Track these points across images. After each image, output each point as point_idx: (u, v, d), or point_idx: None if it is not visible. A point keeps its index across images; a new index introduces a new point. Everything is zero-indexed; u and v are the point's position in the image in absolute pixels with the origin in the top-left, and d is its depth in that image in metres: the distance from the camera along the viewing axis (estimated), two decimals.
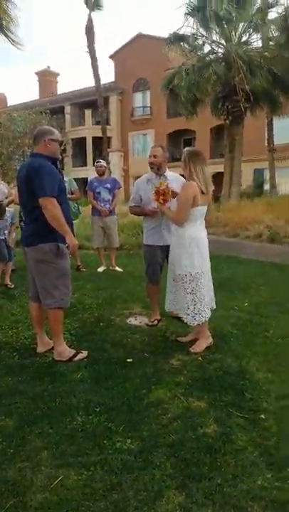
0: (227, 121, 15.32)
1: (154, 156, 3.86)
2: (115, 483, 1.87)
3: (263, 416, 2.38)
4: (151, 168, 3.90)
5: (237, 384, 2.77)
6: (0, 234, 5.53)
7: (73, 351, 3.23)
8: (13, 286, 5.52)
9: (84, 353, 3.24)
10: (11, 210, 5.66)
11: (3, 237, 5.56)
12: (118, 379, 2.86)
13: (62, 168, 6.47)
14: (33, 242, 3.10)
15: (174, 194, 3.48)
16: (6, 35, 11.48)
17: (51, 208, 2.95)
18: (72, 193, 6.03)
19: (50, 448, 2.11)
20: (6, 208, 5.51)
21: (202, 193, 3.26)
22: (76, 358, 3.17)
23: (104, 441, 2.16)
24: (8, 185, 6.61)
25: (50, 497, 1.78)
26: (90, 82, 24.15)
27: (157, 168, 3.88)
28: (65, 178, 6.37)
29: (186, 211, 3.24)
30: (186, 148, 3.43)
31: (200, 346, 3.34)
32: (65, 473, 1.92)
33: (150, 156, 3.89)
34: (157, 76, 16.21)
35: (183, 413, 2.42)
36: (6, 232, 5.60)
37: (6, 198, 5.89)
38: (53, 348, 3.28)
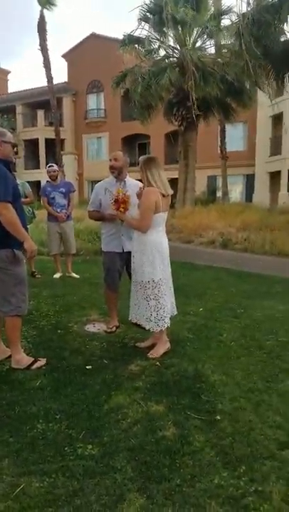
0: (181, 128, 15.59)
1: (115, 160, 3.85)
2: (77, 488, 1.89)
3: (218, 417, 2.49)
4: (112, 172, 3.89)
5: (193, 387, 2.87)
6: None
7: (31, 359, 3.21)
8: None
9: (42, 361, 3.22)
10: None
11: None
12: (77, 386, 2.88)
13: (15, 171, 6.32)
14: None
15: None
16: None
17: (6, 213, 2.91)
18: (26, 197, 5.92)
19: (11, 456, 2.11)
20: None
21: (163, 196, 3.33)
22: (34, 366, 3.14)
23: (66, 448, 2.18)
24: None
25: (12, 505, 1.78)
26: (43, 82, 23.77)
27: (118, 173, 3.88)
28: (18, 181, 6.26)
29: (150, 217, 3.29)
30: (142, 157, 3.51)
31: (158, 352, 3.42)
32: (27, 481, 1.92)
33: (110, 160, 3.89)
34: (111, 78, 16.13)
35: (142, 417, 2.48)
36: None
37: None
38: (10, 356, 3.23)
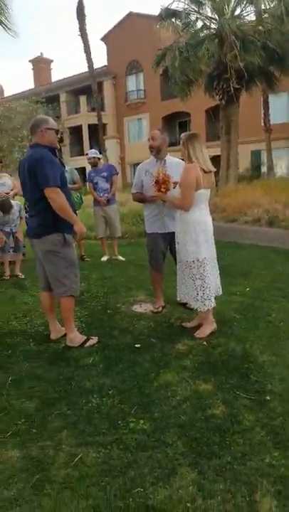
0: (222, 102, 15.06)
1: (152, 139, 3.86)
2: (131, 460, 1.99)
3: (268, 397, 2.49)
4: (151, 151, 3.91)
5: (242, 367, 2.88)
6: (5, 226, 5.61)
7: (84, 337, 3.36)
8: (23, 276, 5.63)
9: (94, 339, 3.36)
10: (18, 203, 5.72)
11: (8, 229, 5.64)
12: (128, 363, 2.98)
13: (61, 157, 6.46)
14: (40, 234, 3.17)
15: (175, 184, 3.51)
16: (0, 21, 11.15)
17: (56, 197, 3.02)
18: (74, 183, 6.08)
19: (69, 428, 2.24)
20: (12, 201, 5.59)
21: (204, 172, 3.29)
22: (87, 344, 3.29)
23: (119, 422, 2.28)
24: (10, 176, 6.63)
25: (72, 472, 1.91)
26: (84, 68, 23.83)
27: (157, 152, 3.88)
28: (66, 168, 6.42)
29: (192, 194, 3.27)
30: (183, 133, 3.48)
31: (204, 331, 3.44)
32: (84, 452, 2.05)
33: (148, 140, 3.91)
34: (150, 57, 15.74)
35: (191, 395, 2.54)
36: (13, 225, 5.68)
37: (12, 190, 5.95)
38: (65, 334, 3.40)
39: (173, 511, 1.68)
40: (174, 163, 3.85)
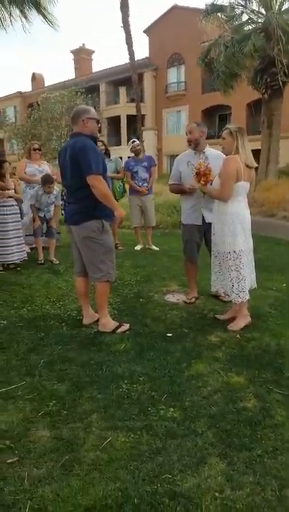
0: (265, 96, 14.75)
1: (190, 133, 3.83)
2: (160, 447, 1.98)
3: None
4: (189, 145, 3.88)
5: (276, 362, 2.81)
6: (39, 212, 5.72)
7: (117, 323, 3.38)
8: (58, 262, 5.73)
9: (126, 326, 3.38)
10: (57, 190, 5.81)
11: (42, 215, 5.75)
12: (159, 352, 2.97)
13: (108, 149, 6.55)
14: (79, 221, 3.22)
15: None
16: (44, 16, 11.21)
17: (99, 184, 3.06)
18: (118, 172, 6.14)
19: (99, 411, 2.26)
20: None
21: (247, 166, 3.25)
22: (119, 330, 3.31)
23: (149, 409, 2.28)
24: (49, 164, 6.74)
25: (101, 455, 1.92)
26: (125, 59, 23.83)
27: (195, 145, 3.85)
28: (111, 158, 6.47)
29: (231, 185, 3.24)
30: (230, 125, 3.41)
31: (238, 324, 3.39)
32: (114, 435, 2.05)
33: (186, 134, 3.88)
34: (192, 50, 15.66)
35: (223, 387, 2.50)
36: (47, 211, 5.79)
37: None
38: (97, 320, 3.44)
39: (201, 499, 1.66)
40: (213, 156, 3.81)
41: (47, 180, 5.56)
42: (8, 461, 1.88)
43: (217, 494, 1.69)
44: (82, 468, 1.84)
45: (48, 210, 5.86)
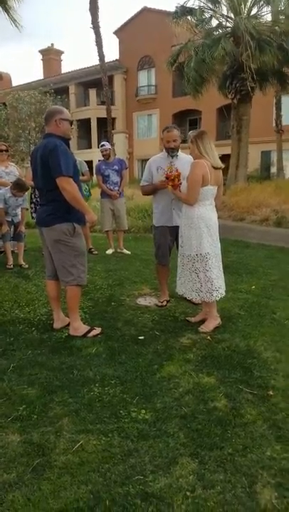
0: (234, 101, 14.99)
1: (174, 141, 3.80)
2: (132, 449, 1.99)
3: (271, 392, 2.48)
4: (172, 151, 3.84)
5: (245, 362, 2.87)
6: (7, 216, 5.61)
7: (88, 327, 3.36)
8: (27, 266, 5.63)
9: (98, 330, 3.36)
10: (24, 194, 5.72)
11: (9, 219, 5.65)
12: (131, 354, 2.98)
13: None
14: (50, 223, 3.18)
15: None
16: (7, 12, 10.87)
17: (68, 187, 3.03)
18: (83, 175, 6.07)
19: (70, 415, 2.24)
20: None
21: (213, 168, 3.31)
22: (90, 334, 3.30)
23: (121, 411, 2.28)
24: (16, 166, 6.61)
25: (72, 458, 1.91)
26: (95, 61, 23.80)
27: (176, 151, 3.86)
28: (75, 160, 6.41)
29: (197, 190, 3.30)
30: (192, 131, 3.51)
31: (208, 326, 3.44)
32: (85, 439, 2.05)
33: (169, 142, 3.82)
34: (163, 53, 15.81)
35: (194, 388, 2.53)
36: (14, 212, 5.69)
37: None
38: (68, 324, 3.41)
39: (173, 499, 1.68)
40: (185, 160, 3.82)
41: (22, 188, 5.42)
42: None
43: (188, 493, 1.71)
44: (53, 472, 1.82)
45: (16, 214, 5.75)
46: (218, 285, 3.43)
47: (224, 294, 3.53)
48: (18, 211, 5.76)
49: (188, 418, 2.23)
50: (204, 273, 3.40)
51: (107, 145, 6.79)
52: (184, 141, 4.14)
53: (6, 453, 1.94)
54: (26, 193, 5.74)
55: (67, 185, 3.03)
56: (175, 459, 1.92)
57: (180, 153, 3.93)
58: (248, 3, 14.64)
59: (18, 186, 5.40)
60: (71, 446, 1.99)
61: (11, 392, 2.46)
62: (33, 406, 2.32)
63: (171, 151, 3.86)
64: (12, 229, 5.78)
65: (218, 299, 3.44)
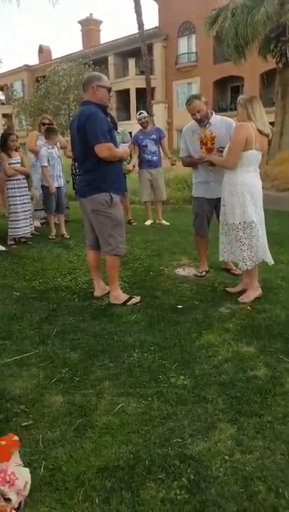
0: (280, 65, 14.23)
1: (198, 112, 3.67)
2: (171, 412, 2.02)
3: None
4: (201, 122, 3.73)
5: (286, 333, 2.81)
6: (54, 180, 5.72)
7: (127, 296, 3.40)
8: (68, 236, 5.76)
9: (137, 298, 3.40)
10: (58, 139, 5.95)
11: (56, 184, 5.74)
12: (170, 322, 3.00)
13: (114, 122, 6.47)
14: (88, 193, 3.20)
15: (222, 148, 3.44)
16: None
17: (107, 151, 3.02)
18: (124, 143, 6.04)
19: (111, 379, 2.30)
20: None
21: (260, 133, 3.17)
22: (130, 302, 3.34)
23: (160, 376, 2.31)
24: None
25: (113, 419, 1.96)
26: (134, 29, 23.15)
27: (206, 118, 3.73)
28: (118, 129, 6.34)
29: (237, 153, 3.17)
30: (241, 96, 3.33)
31: (249, 296, 3.38)
32: (125, 401, 2.10)
33: (193, 114, 3.70)
34: (204, 18, 15.12)
35: (233, 356, 2.52)
36: (57, 174, 5.78)
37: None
38: (108, 292, 3.46)
39: (211, 462, 1.70)
40: (218, 122, 3.71)
41: (51, 130, 5.79)
42: (23, 424, 1.94)
43: (227, 457, 1.72)
44: (94, 431, 1.89)
45: (57, 178, 5.82)
46: (257, 256, 3.34)
47: (272, 262, 3.44)
48: (61, 180, 5.83)
49: (227, 385, 2.22)
50: (248, 239, 3.30)
51: (145, 113, 6.68)
52: (224, 110, 3.98)
53: (50, 412, 2.03)
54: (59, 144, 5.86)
55: (107, 151, 3.01)
56: (214, 424, 1.93)
57: (214, 117, 3.77)
58: None
59: (48, 130, 5.73)
60: (112, 408, 2.05)
61: (54, 356, 2.55)
62: (75, 369, 2.40)
63: (201, 122, 3.73)
64: (55, 200, 5.87)
65: (257, 263, 3.36)
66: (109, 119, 3.27)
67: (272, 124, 13.39)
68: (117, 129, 6.36)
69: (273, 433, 1.87)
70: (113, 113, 28.65)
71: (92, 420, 1.96)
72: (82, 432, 1.89)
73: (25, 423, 1.94)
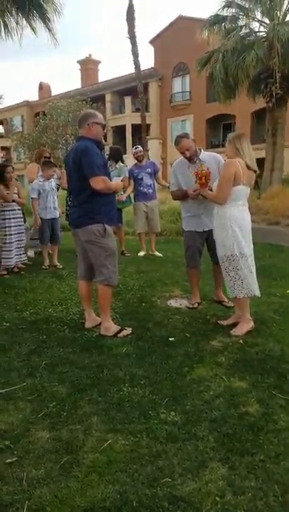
0: (270, 105, 14.82)
1: (188, 150, 3.80)
2: (160, 450, 1.95)
3: None
4: (190, 160, 3.85)
5: (279, 367, 2.77)
6: (48, 212, 5.76)
7: (118, 327, 3.37)
8: (61, 266, 5.75)
9: (128, 330, 3.36)
10: (56, 174, 6.01)
11: (52, 216, 5.78)
12: (161, 355, 2.95)
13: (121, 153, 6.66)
14: (82, 224, 3.23)
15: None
16: (48, 27, 11.00)
17: (101, 183, 3.08)
18: (121, 180, 6.11)
19: (99, 414, 2.23)
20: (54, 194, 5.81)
21: (248, 169, 3.26)
22: (121, 334, 3.30)
23: (150, 412, 2.25)
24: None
25: (100, 457, 1.89)
26: (131, 69, 24.08)
27: (194, 155, 3.85)
28: (116, 165, 6.46)
29: (228, 188, 3.26)
30: (230, 133, 3.48)
31: (241, 329, 3.36)
32: (114, 438, 2.03)
33: (182, 153, 3.84)
34: (197, 60, 15.96)
35: (225, 391, 2.46)
36: (52, 206, 5.82)
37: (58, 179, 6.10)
38: (99, 324, 3.42)
39: (201, 504, 1.63)
40: (207, 158, 3.83)
41: (48, 164, 5.80)
42: (7, 461, 1.86)
43: (218, 499, 1.65)
44: (81, 470, 1.81)
45: (52, 210, 5.85)
46: (245, 286, 3.34)
47: (259, 295, 3.44)
48: (56, 212, 5.87)
49: (219, 422, 2.16)
50: (234, 272, 3.33)
51: (140, 147, 6.84)
52: (216, 146, 4.11)
53: (36, 449, 1.95)
54: (56, 176, 5.92)
55: (100, 185, 3.07)
56: (204, 463, 1.86)
57: (202, 154, 3.90)
58: (284, 8, 14.50)
59: (45, 164, 5.74)
60: (99, 444, 1.98)
61: (42, 389, 2.48)
62: (63, 403, 2.33)
63: (190, 160, 3.85)
64: (49, 231, 5.89)
65: (247, 296, 3.36)
66: (106, 154, 3.38)
67: (263, 160, 13.87)
68: (123, 161, 6.50)
69: (266, 473, 1.81)
70: (108, 148, 29.36)
71: (79, 458, 1.89)
72: (68, 470, 1.82)
73: (9, 460, 1.87)
